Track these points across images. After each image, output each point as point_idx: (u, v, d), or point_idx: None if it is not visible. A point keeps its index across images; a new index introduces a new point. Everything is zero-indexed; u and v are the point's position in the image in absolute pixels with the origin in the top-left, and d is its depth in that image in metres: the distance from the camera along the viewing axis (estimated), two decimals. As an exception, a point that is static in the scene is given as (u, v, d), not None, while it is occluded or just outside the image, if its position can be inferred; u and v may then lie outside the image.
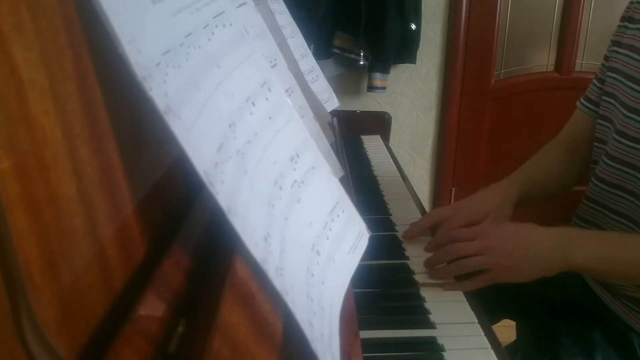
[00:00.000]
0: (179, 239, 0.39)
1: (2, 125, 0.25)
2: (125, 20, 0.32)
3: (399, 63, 2.18)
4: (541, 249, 0.74)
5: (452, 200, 2.43)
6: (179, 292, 0.36)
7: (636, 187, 0.86)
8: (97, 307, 0.31)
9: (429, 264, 0.79)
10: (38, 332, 0.25)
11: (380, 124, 1.60)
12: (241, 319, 0.36)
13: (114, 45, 0.31)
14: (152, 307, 0.33)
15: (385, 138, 1.57)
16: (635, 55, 0.87)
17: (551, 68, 2.33)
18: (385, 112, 1.65)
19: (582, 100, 1.03)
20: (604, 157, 0.92)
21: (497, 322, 1.11)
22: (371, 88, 2.14)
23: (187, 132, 0.35)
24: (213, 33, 0.42)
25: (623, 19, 0.95)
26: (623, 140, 0.87)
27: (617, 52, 0.93)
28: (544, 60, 2.32)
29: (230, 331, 0.34)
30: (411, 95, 2.30)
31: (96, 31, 0.32)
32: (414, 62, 2.16)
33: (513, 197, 0.94)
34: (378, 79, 2.13)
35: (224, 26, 0.44)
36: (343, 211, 0.55)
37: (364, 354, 0.54)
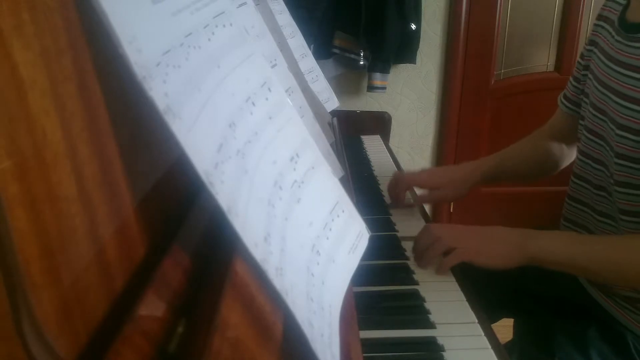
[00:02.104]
0: (179, 239, 0.39)
1: (2, 125, 0.25)
2: (125, 20, 0.32)
3: (399, 63, 2.18)
4: (502, 236, 0.82)
5: (451, 201, 2.43)
6: (179, 292, 0.36)
7: (606, 183, 0.87)
8: (97, 307, 0.31)
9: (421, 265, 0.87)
10: (38, 332, 0.25)
11: (380, 124, 1.60)
12: (241, 319, 0.36)
13: (114, 45, 0.31)
14: (152, 307, 0.33)
15: (385, 138, 1.57)
16: (605, 60, 0.86)
17: (551, 68, 2.33)
18: (385, 112, 1.65)
19: (561, 98, 1.04)
20: (578, 154, 0.95)
21: (497, 321, 1.12)
22: (371, 88, 2.14)
23: (187, 132, 0.35)
24: (213, 33, 0.42)
25: (599, 17, 0.92)
26: (592, 138, 0.89)
27: (592, 52, 0.92)
28: (544, 60, 2.32)
29: (230, 331, 0.34)
30: (411, 95, 2.30)
31: (96, 31, 0.32)
32: (414, 62, 2.16)
33: (472, 179, 1.05)
34: (378, 79, 2.12)
35: (224, 26, 0.44)
36: (343, 211, 0.55)
37: (364, 354, 0.54)
